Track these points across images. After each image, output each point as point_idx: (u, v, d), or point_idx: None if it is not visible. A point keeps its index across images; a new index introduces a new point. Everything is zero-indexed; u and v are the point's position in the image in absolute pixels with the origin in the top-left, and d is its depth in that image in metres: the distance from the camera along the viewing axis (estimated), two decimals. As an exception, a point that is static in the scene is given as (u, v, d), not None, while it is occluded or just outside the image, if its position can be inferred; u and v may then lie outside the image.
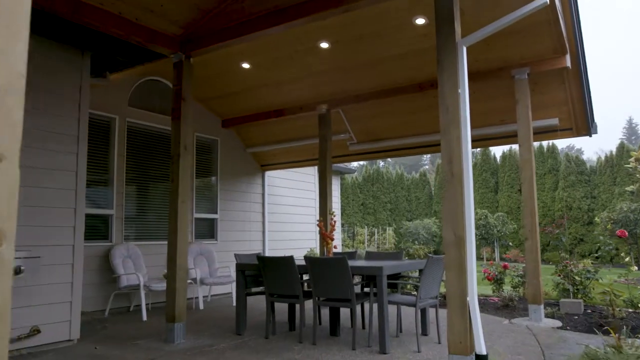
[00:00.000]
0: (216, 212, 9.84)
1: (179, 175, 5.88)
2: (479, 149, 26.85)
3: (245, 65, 7.83)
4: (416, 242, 23.10)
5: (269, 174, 11.30)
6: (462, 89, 4.27)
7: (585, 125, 7.82)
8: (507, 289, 8.67)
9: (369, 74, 7.74)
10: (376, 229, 20.51)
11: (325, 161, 8.57)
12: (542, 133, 8.05)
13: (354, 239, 20.58)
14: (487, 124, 8.21)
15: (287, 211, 11.79)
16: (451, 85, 4.28)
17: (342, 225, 13.95)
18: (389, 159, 57.31)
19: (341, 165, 15.79)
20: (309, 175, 12.69)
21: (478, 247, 24.06)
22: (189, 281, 8.33)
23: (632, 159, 13.47)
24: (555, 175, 23.77)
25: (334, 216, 6.08)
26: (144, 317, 7.23)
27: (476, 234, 20.31)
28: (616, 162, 21.84)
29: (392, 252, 6.60)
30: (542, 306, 6.71)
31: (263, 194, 11.06)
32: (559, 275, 8.09)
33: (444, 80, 4.33)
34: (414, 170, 46.62)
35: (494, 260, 20.51)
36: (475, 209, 24.52)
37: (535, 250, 6.89)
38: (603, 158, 22.79)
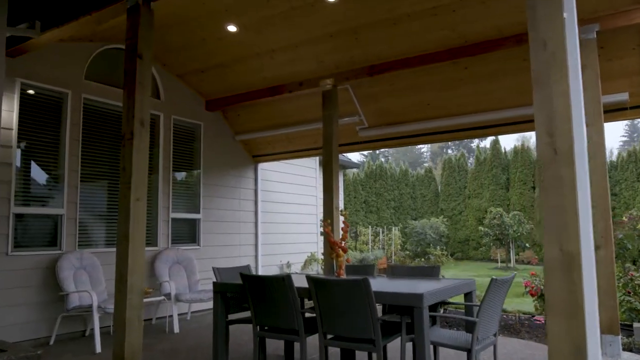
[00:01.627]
0: (198, 212, 8.18)
1: (132, 162, 4.22)
2: (488, 142, 25.24)
3: (232, 28, 6.19)
4: (422, 242, 21.48)
5: (263, 166, 9.64)
6: (569, 13, 2.63)
7: (660, 102, 6.18)
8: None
9: (387, 36, 6.10)
10: (381, 229, 18.87)
11: (330, 149, 6.93)
12: (607, 112, 6.38)
13: (357, 240, 18.93)
14: (527, 102, 6.54)
15: (284, 210, 10.13)
16: (549, 4, 2.64)
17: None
18: (389, 155, 55.65)
19: (344, 157, 14.16)
20: (309, 169, 11.03)
21: (488, 250, 22.50)
22: (161, 297, 6.68)
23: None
24: (573, 171, 22.15)
25: (346, 216, 4.42)
26: (98, 348, 5.58)
27: (490, 235, 18.69)
28: (640, 156, 20.24)
29: (424, 266, 4.94)
30: (619, 337, 5.10)
31: (256, 190, 9.39)
32: (628, 293, 6.45)
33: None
34: (417, 167, 45.12)
35: (509, 262, 18.89)
36: (489, 207, 22.92)
37: (610, 262, 5.27)
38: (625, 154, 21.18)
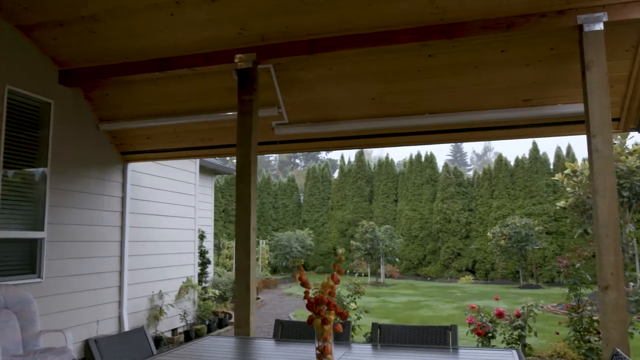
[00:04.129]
0: (42, 228, 5.68)
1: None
2: (353, 154, 24.97)
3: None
4: (288, 256, 20.13)
5: (134, 167, 7.33)
6: None
7: (638, 116, 5.49)
8: (500, 346, 6.04)
9: (339, 1, 4.52)
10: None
11: (248, 149, 5.09)
12: (569, 124, 5.54)
13: (219, 254, 16.84)
14: (502, 105, 5.48)
15: (158, 224, 7.89)
16: None
17: (202, 237, 10.42)
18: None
19: (215, 160, 12.20)
20: (189, 174, 8.89)
21: (350, 263, 21.97)
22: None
23: (560, 173, 12.04)
24: (434, 186, 22.68)
25: (341, 257, 2.68)
26: None
27: (361, 249, 17.99)
28: (494, 174, 21.32)
29: (432, 326, 3.37)
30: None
31: (123, 199, 7.06)
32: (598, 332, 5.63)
33: None
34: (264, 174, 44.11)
35: (379, 277, 18.38)
36: (353, 219, 22.40)
37: (622, 309, 4.25)
38: (481, 172, 22.22)
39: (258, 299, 12.87)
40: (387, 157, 24.34)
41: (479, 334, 6.00)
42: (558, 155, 20.30)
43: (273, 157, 72.49)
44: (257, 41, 5.15)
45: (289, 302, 13.44)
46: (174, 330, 8.04)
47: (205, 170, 11.15)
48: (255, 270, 5.16)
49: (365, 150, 25.43)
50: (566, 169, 11.77)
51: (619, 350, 3.02)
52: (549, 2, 4.47)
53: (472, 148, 69.43)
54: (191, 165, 8.97)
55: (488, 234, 18.35)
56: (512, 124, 5.53)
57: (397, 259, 18.64)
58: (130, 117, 6.42)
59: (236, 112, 5.62)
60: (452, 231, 21.43)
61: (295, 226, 24.27)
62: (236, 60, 5.20)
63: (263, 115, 5.86)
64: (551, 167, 20.38)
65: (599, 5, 4.43)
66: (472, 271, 20.85)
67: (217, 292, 9.18)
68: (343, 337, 3.42)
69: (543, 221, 18.82)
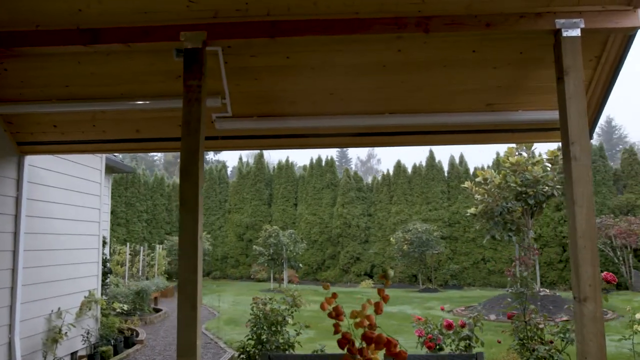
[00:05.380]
0: None
1: None
2: (252, 157, 24.21)
3: None
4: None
5: (34, 161, 6.10)
6: None
7: (594, 125, 5.55)
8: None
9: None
10: (142, 247, 15.61)
11: (195, 143, 4.29)
12: (541, 131, 5.49)
13: (111, 260, 15.23)
14: (466, 108, 5.26)
15: (59, 229, 6.67)
16: None
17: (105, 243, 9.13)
18: (136, 159, 49.45)
19: (114, 157, 10.97)
20: (93, 171, 7.69)
21: (248, 268, 21.24)
22: None
23: (468, 181, 12.42)
24: (334, 191, 22.69)
25: (388, 282, 2.11)
26: None
27: (264, 254, 17.35)
28: (393, 180, 21.83)
29: (454, 354, 2.88)
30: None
31: (18, 199, 5.80)
32: (551, 342, 5.59)
33: None
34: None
35: (282, 283, 17.85)
36: (264, 224, 21.51)
37: (600, 321, 4.14)
38: (380, 177, 22.65)
39: (160, 310, 11.71)
40: (287, 160, 23.97)
41: (429, 347, 5.73)
42: (452, 163, 21.28)
43: (157, 156, 69.05)
44: (208, 18, 4.38)
45: (193, 312, 12.39)
46: (73, 355, 6.85)
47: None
48: (201, 285, 4.41)
49: (264, 152, 24.79)
50: (460, 175, 12.18)
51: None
52: (528, 3, 4.29)
53: (356, 154, 71.40)
54: (96, 162, 7.79)
55: (391, 239, 18.66)
56: (475, 129, 5.34)
57: (300, 265, 18.26)
58: (37, 98, 5.25)
59: (174, 100, 4.86)
60: (352, 236, 21.57)
61: (189, 230, 22.94)
62: (182, 39, 4.38)
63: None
64: (445, 174, 21.32)
65: (576, 12, 4.33)
66: (370, 275, 21.12)
67: (125, 306, 8.06)
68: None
69: (439, 226, 19.56)
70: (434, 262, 18.96)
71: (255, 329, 5.96)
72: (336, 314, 2.17)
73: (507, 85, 5.10)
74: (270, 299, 6.22)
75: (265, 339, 5.84)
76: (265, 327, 5.94)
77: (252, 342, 5.99)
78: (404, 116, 5.21)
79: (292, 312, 6.36)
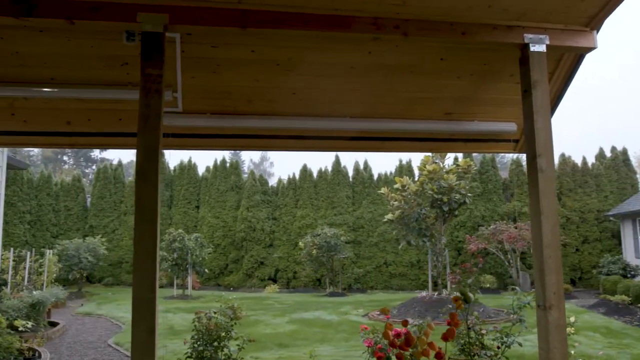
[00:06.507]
0: None
1: None
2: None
3: None
4: (75, 267, 17.32)
5: None
6: None
7: (534, 140, 5.81)
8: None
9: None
10: (29, 253, 13.98)
11: (154, 139, 3.81)
12: (479, 141, 5.65)
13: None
14: (425, 116, 5.28)
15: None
16: None
17: None
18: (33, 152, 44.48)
19: (9, 153, 9.77)
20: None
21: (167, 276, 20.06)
22: None
23: (385, 187, 12.68)
24: (239, 193, 22.16)
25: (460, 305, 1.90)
26: None
27: (169, 260, 16.43)
28: (299, 184, 21.81)
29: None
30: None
31: None
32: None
33: None
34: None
35: (186, 289, 17.00)
36: (169, 227, 20.29)
37: (563, 328, 4.31)
38: (285, 180, 22.51)
39: (56, 324, 10.51)
40: (189, 161, 23.02)
41: (379, 358, 5.65)
42: (357, 169, 21.75)
43: (34, 152, 63.07)
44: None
45: (93, 324, 11.33)
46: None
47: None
48: (158, 303, 3.94)
49: (165, 151, 23.55)
50: (365, 181, 12.46)
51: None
52: (500, 15, 4.39)
53: (250, 156, 70.38)
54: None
55: (300, 243, 18.58)
56: (433, 137, 5.38)
57: (206, 270, 17.54)
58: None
59: (117, 91, 4.37)
60: (257, 240, 21.21)
61: (80, 232, 21.14)
62: (139, 20, 3.87)
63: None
64: (350, 180, 21.73)
65: (541, 28, 4.51)
66: (274, 280, 20.90)
67: (28, 323, 7.06)
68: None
69: (344, 231, 19.86)
70: (338, 266, 19.20)
71: (196, 345, 5.50)
72: (406, 343, 1.97)
73: (467, 96, 5.19)
74: (215, 313, 5.77)
75: (209, 355, 5.40)
76: (207, 343, 5.51)
77: (192, 360, 5.52)
78: (364, 121, 5.11)
79: (232, 325, 5.98)
